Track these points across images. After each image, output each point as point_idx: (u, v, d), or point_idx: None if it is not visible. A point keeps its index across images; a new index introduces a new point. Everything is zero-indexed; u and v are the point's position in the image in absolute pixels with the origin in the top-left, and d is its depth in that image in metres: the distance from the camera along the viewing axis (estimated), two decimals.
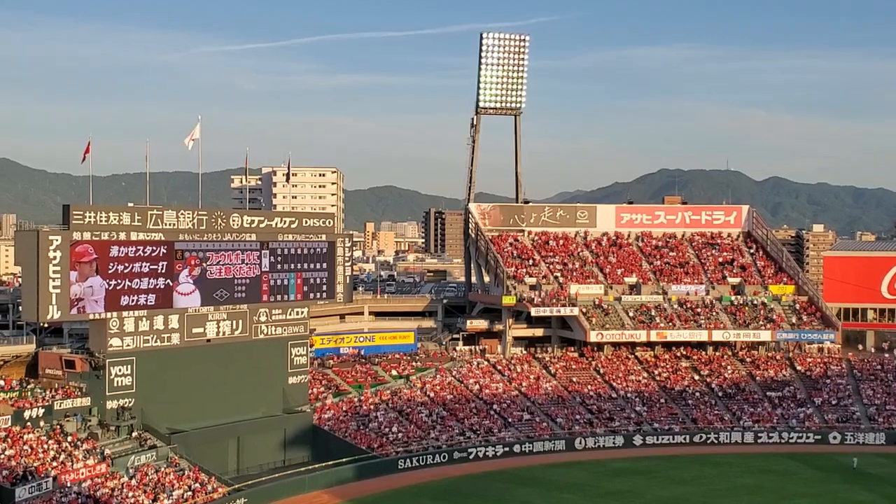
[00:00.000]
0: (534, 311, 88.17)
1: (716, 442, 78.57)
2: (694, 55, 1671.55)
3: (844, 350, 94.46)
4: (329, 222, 75.24)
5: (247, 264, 67.63)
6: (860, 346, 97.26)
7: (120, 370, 60.71)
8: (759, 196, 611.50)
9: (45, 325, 71.73)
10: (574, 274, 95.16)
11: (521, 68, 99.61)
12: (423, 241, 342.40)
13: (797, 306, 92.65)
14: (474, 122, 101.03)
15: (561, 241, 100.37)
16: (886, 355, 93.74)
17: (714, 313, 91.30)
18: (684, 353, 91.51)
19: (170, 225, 63.00)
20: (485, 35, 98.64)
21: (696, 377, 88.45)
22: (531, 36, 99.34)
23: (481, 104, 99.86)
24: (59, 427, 57.80)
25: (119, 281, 59.93)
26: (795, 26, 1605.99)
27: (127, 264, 60.31)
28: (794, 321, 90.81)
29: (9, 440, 54.48)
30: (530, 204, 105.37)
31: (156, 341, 62.37)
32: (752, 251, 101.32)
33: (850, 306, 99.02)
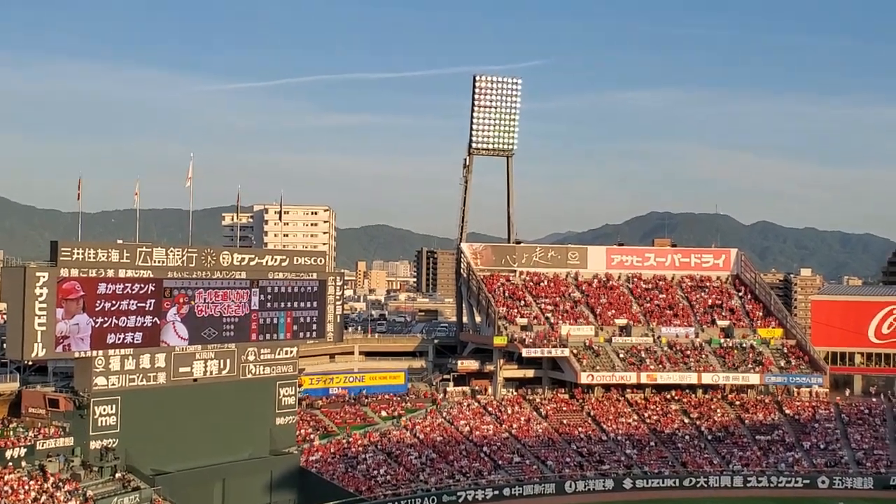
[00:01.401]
0: (525, 352, 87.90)
1: (705, 486, 78.00)
2: (684, 99, 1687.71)
3: (832, 394, 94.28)
4: (320, 261, 74.97)
5: (236, 303, 67.22)
6: (848, 391, 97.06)
7: (104, 409, 59.94)
8: (747, 240, 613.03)
9: (30, 363, 71.00)
10: (565, 315, 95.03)
11: (513, 111, 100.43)
12: (415, 280, 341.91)
13: (785, 350, 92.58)
14: (467, 163, 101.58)
15: (552, 282, 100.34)
16: (874, 399, 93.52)
17: (703, 356, 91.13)
18: (674, 395, 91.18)
19: (159, 262, 62.64)
20: (478, 78, 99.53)
21: (686, 420, 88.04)
22: (523, 79, 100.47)
23: (474, 145, 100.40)
24: (41, 467, 56.98)
25: (106, 318, 59.43)
26: (783, 72, 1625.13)
27: (114, 302, 59.83)
28: (782, 364, 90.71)
29: None
30: (522, 244, 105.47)
31: (142, 380, 61.69)
32: (740, 294, 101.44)
33: (837, 350, 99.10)
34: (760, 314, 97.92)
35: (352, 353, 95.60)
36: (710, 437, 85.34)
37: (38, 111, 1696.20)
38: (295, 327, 70.93)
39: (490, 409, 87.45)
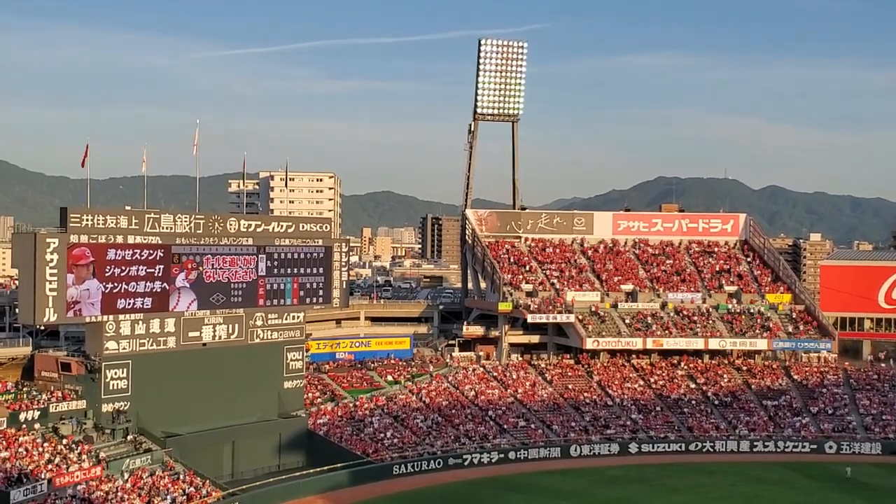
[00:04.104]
0: (530, 318, 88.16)
1: (711, 450, 78.48)
2: (691, 63, 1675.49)
3: (841, 359, 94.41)
4: (326, 227, 75.27)
5: (243, 268, 67.62)
6: (861, 356, 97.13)
7: (116, 373, 60.65)
8: (756, 205, 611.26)
9: (42, 328, 71.60)
10: (570, 281, 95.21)
11: (518, 75, 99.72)
12: (420, 246, 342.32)
13: (794, 315, 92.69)
14: (472, 129, 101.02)
15: (558, 248, 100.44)
16: (883, 365, 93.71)
17: (710, 321, 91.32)
18: (680, 361, 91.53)
19: (167, 228, 63.01)
20: (483, 41, 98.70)
21: (692, 385, 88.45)
22: (529, 42, 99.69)
23: (479, 110, 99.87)
24: (54, 430, 57.73)
25: (116, 284, 59.91)
26: (793, 35, 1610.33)
27: (124, 267, 60.30)
28: (790, 330, 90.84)
29: (4, 442, 54.41)
30: (527, 210, 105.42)
31: (152, 345, 62.32)
32: (749, 259, 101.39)
33: (846, 315, 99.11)
34: (769, 279, 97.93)
35: (358, 318, 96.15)
36: (716, 403, 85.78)
37: (45, 77, 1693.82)
38: (301, 293, 71.42)
39: (495, 374, 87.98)
